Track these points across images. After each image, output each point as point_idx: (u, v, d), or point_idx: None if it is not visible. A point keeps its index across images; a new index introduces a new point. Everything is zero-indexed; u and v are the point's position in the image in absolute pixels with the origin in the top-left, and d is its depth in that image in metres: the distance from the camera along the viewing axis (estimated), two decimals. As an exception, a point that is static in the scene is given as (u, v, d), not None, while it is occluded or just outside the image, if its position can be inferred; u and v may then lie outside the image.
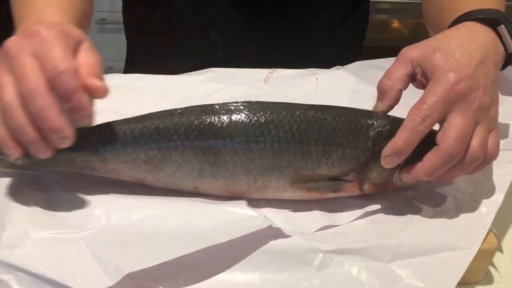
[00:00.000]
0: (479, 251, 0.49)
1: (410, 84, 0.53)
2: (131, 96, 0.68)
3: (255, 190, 0.52)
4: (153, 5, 0.81)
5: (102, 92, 0.46)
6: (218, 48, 0.80)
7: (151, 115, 0.53)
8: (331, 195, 0.53)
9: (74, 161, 0.51)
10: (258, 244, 0.48)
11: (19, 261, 0.44)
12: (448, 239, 0.49)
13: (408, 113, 0.48)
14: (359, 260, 0.48)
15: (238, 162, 0.51)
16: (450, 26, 0.56)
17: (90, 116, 0.46)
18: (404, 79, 0.52)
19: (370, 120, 0.52)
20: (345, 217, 0.52)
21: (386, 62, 0.76)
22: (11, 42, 0.45)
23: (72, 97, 0.44)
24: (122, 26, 0.91)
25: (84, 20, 0.63)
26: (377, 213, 0.53)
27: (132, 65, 0.91)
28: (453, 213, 0.52)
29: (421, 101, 0.48)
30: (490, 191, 0.54)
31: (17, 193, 0.52)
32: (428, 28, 0.74)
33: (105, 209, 0.50)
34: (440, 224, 0.51)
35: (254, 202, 0.53)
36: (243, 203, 0.52)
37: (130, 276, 0.45)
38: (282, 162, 0.51)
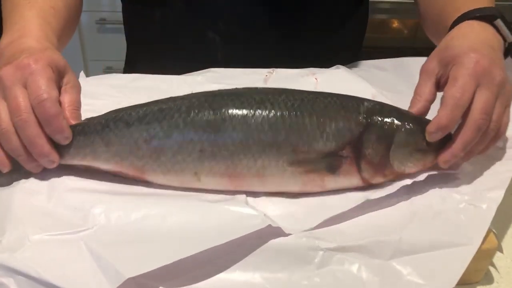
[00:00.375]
0: (479, 251, 0.49)
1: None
2: (131, 96, 0.68)
3: (255, 173, 0.53)
4: (152, 6, 0.81)
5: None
6: (217, 49, 0.80)
7: (156, 101, 0.56)
8: (331, 180, 0.54)
9: (80, 147, 0.54)
10: (258, 243, 0.48)
11: (19, 264, 0.44)
12: (448, 236, 0.49)
13: (444, 93, 0.53)
14: (360, 257, 0.48)
15: (237, 138, 0.52)
16: (451, 27, 0.60)
17: (68, 138, 0.53)
18: (432, 91, 0.57)
19: (361, 101, 0.56)
20: (346, 214, 0.52)
21: (386, 63, 0.76)
22: (5, 72, 0.52)
23: (52, 122, 0.51)
24: (122, 26, 0.91)
25: (67, 29, 0.69)
26: (377, 210, 0.52)
27: (132, 65, 0.91)
28: (454, 210, 0.52)
29: (454, 80, 0.52)
30: (490, 188, 0.53)
31: (16, 195, 0.52)
32: (426, 32, 0.74)
33: (105, 209, 0.50)
34: (440, 220, 0.51)
35: (254, 199, 0.53)
36: (242, 201, 0.52)
37: (131, 277, 0.45)
38: (279, 136, 0.52)
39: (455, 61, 0.54)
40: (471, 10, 0.58)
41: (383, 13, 1.59)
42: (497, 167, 0.56)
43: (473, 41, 0.55)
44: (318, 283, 0.47)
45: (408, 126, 0.54)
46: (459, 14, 0.59)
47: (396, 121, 0.54)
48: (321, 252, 0.48)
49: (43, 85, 0.51)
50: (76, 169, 0.56)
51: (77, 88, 0.58)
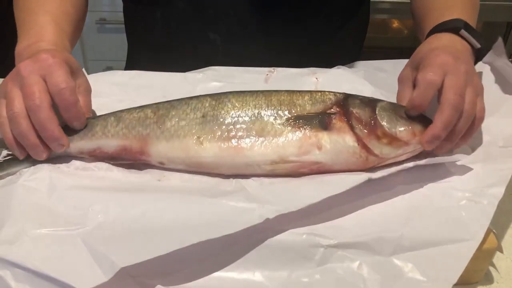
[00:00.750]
0: (479, 251, 0.49)
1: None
2: (131, 93, 0.68)
3: (254, 134, 0.56)
4: (153, 6, 0.81)
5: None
6: (218, 49, 0.80)
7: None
8: (326, 139, 0.56)
9: (91, 125, 0.59)
10: (258, 240, 0.48)
11: (17, 257, 0.45)
12: (449, 232, 0.49)
13: (416, 80, 0.58)
14: (360, 254, 0.48)
15: (236, 104, 0.58)
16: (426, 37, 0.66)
17: (83, 123, 0.58)
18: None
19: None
20: (346, 209, 0.52)
21: (386, 64, 0.76)
22: (24, 65, 0.55)
23: (71, 109, 0.55)
24: (122, 26, 0.91)
25: (77, 32, 0.73)
26: (377, 203, 0.53)
27: (133, 65, 0.91)
28: (454, 206, 0.52)
29: (423, 70, 0.57)
30: (491, 185, 0.53)
31: (16, 192, 0.52)
32: (415, 29, 0.78)
33: (103, 206, 0.50)
34: (441, 216, 0.51)
35: (253, 195, 0.53)
36: (241, 195, 0.52)
37: (130, 275, 0.45)
38: (273, 95, 0.59)
39: (422, 60, 0.59)
40: (437, 25, 0.65)
41: (383, 13, 1.59)
42: (498, 165, 0.56)
43: (437, 45, 0.61)
44: (319, 280, 0.47)
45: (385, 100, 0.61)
46: (434, 25, 0.66)
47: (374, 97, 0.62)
48: (321, 249, 0.48)
49: (63, 75, 0.55)
50: (76, 166, 0.56)
51: (89, 92, 0.61)
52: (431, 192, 0.54)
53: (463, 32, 0.63)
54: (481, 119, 0.58)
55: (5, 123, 0.54)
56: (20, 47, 0.61)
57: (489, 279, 0.53)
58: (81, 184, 0.54)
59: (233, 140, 0.56)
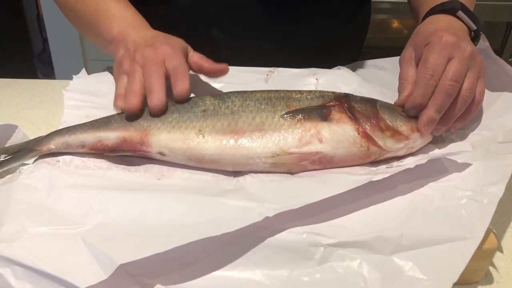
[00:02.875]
0: (479, 251, 0.49)
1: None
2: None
3: (255, 128, 0.57)
4: (156, 3, 0.81)
5: (223, 70, 0.67)
6: (220, 47, 0.80)
7: None
8: (326, 130, 0.56)
9: (95, 121, 0.60)
10: (258, 239, 0.48)
11: (16, 255, 0.45)
12: (450, 230, 0.49)
13: (418, 73, 0.59)
14: (360, 253, 0.48)
15: (236, 100, 0.60)
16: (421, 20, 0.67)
17: (188, 88, 0.61)
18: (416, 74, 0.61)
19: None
20: (346, 208, 0.52)
21: (386, 62, 0.76)
22: (146, 53, 0.62)
23: (178, 75, 0.61)
24: (122, 25, 0.90)
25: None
26: (378, 203, 0.52)
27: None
28: (455, 204, 0.52)
29: (425, 61, 0.58)
30: (491, 182, 0.53)
31: (16, 190, 0.52)
32: (411, 13, 0.79)
33: (103, 206, 0.50)
34: (441, 215, 0.51)
35: (252, 194, 0.53)
36: (241, 194, 0.52)
37: (130, 274, 0.45)
38: (272, 93, 0.61)
39: (426, 41, 0.60)
40: (435, 6, 0.65)
41: (383, 13, 1.59)
42: (498, 161, 0.56)
43: (439, 25, 0.62)
44: (319, 279, 0.47)
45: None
46: (429, 7, 0.66)
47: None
48: (321, 248, 0.48)
49: (181, 62, 0.62)
50: (76, 165, 0.56)
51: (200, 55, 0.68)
52: (431, 191, 0.54)
53: (460, 13, 0.63)
54: (479, 102, 0.59)
55: (121, 95, 0.61)
56: (114, 32, 0.68)
57: (489, 279, 0.53)
58: (81, 183, 0.54)
59: (234, 133, 0.57)
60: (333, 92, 0.61)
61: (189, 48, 0.67)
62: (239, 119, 0.58)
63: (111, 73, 0.71)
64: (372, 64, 0.77)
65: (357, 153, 0.56)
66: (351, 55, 0.82)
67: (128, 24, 0.68)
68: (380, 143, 0.57)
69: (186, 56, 0.66)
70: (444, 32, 0.59)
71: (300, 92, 0.61)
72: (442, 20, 0.63)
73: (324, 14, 0.81)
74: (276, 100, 0.60)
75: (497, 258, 0.55)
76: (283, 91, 0.62)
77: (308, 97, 0.60)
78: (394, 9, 1.55)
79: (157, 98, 0.58)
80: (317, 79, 0.72)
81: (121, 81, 0.63)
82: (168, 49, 0.63)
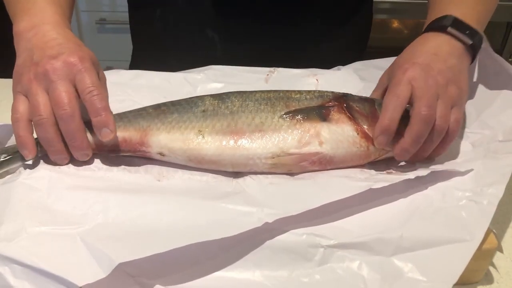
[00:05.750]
0: (479, 251, 0.49)
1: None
2: (132, 94, 0.68)
3: (254, 129, 0.57)
4: (153, 4, 0.81)
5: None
6: (216, 48, 0.80)
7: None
8: (325, 130, 0.56)
9: None
10: (257, 241, 0.48)
11: (15, 254, 0.45)
12: (449, 232, 0.49)
13: (384, 102, 0.57)
14: (360, 254, 0.48)
15: (236, 100, 0.60)
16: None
17: (112, 132, 0.55)
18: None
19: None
20: (347, 209, 0.52)
21: (386, 62, 0.76)
22: (51, 66, 0.54)
23: (100, 113, 0.54)
24: (122, 26, 0.91)
25: (72, 8, 0.70)
26: (377, 206, 0.52)
27: (137, 65, 0.91)
28: (454, 206, 0.52)
29: (388, 91, 0.58)
30: (491, 183, 0.53)
31: (16, 190, 0.52)
32: None
33: (103, 207, 0.50)
34: (441, 217, 0.51)
35: (252, 198, 0.53)
36: (241, 197, 0.52)
37: (129, 274, 0.45)
38: (271, 93, 0.61)
39: (392, 74, 0.59)
40: (429, 23, 0.63)
41: (383, 13, 1.59)
42: (498, 160, 0.56)
43: (414, 53, 0.60)
44: (319, 280, 0.47)
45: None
46: (432, 16, 0.64)
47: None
48: (321, 249, 0.48)
49: (94, 81, 0.55)
50: (76, 166, 0.56)
51: (105, 83, 0.61)
52: (431, 192, 0.54)
53: (450, 30, 0.60)
54: (455, 130, 0.57)
55: (20, 120, 0.54)
56: (21, 27, 0.58)
57: (489, 279, 0.53)
58: (81, 184, 0.54)
59: (233, 134, 0.57)
60: (332, 92, 0.62)
61: (98, 67, 0.60)
62: (238, 120, 0.58)
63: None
64: (372, 64, 0.77)
65: (356, 153, 0.56)
66: (353, 56, 0.82)
67: (40, 21, 0.59)
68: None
69: (97, 70, 0.58)
70: (409, 65, 0.57)
71: (300, 92, 0.62)
72: (430, 41, 0.61)
73: (323, 15, 0.81)
74: (275, 100, 0.60)
75: (497, 258, 0.55)
76: (282, 91, 0.62)
77: (308, 97, 0.60)
78: (394, 9, 1.56)
79: (82, 153, 0.55)
80: (317, 80, 0.72)
81: (19, 104, 0.54)
82: (77, 63, 0.55)
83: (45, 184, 0.53)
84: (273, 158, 0.56)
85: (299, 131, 0.57)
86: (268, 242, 0.48)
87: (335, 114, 0.58)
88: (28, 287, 0.44)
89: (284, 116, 0.58)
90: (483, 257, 0.51)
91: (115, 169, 0.57)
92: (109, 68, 2.07)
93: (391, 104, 0.56)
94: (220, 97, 0.61)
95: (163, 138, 0.57)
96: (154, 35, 0.85)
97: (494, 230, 0.51)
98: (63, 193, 0.52)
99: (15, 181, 0.53)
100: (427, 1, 0.72)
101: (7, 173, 0.56)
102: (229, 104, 0.60)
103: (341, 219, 0.51)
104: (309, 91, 0.62)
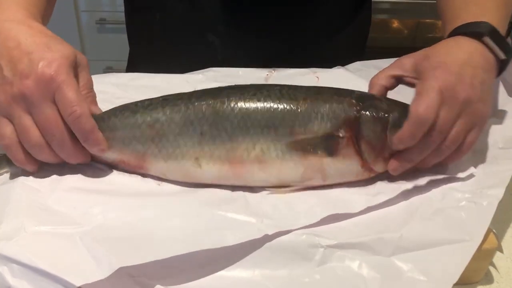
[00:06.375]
0: (479, 251, 0.49)
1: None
2: (131, 94, 0.68)
3: (255, 159, 0.54)
4: (153, 9, 0.81)
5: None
6: (216, 51, 0.80)
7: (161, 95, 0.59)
8: (330, 165, 0.54)
9: None
10: (258, 241, 0.48)
11: (14, 253, 0.45)
12: (449, 233, 0.49)
13: (411, 108, 0.52)
14: (360, 254, 0.48)
15: (235, 120, 0.54)
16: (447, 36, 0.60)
17: (104, 150, 0.54)
18: (389, 78, 0.59)
19: (351, 90, 0.58)
20: (347, 212, 0.52)
21: (386, 63, 0.76)
22: (28, 88, 0.50)
23: (89, 136, 0.52)
24: (122, 26, 0.91)
25: (48, 8, 0.64)
26: (378, 208, 0.52)
27: (134, 67, 0.91)
28: (454, 207, 0.52)
29: (419, 96, 0.52)
30: (490, 186, 0.53)
31: (16, 189, 0.52)
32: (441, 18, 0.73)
33: (103, 209, 0.50)
34: (441, 217, 0.51)
35: (252, 207, 0.53)
36: (241, 205, 0.52)
37: (130, 275, 0.45)
38: (275, 119, 0.54)
39: (424, 75, 0.54)
40: (461, 25, 0.58)
41: (383, 13, 1.59)
42: (498, 166, 0.56)
43: (448, 58, 0.55)
44: (319, 280, 0.47)
45: (399, 109, 0.55)
46: (455, 24, 0.59)
47: (387, 104, 0.56)
48: (321, 249, 0.48)
49: (74, 99, 0.51)
50: (77, 168, 0.56)
51: (86, 67, 0.57)
52: (430, 193, 0.54)
53: (486, 40, 0.55)
54: (464, 152, 0.54)
55: (11, 144, 0.52)
56: None
57: (489, 279, 0.53)
58: (81, 186, 0.54)
59: (232, 164, 0.54)
60: (344, 110, 0.54)
61: (78, 58, 0.55)
62: (238, 147, 0.54)
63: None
64: (372, 64, 0.77)
65: (356, 180, 0.56)
66: (352, 56, 0.82)
67: (6, 20, 0.53)
68: (380, 170, 0.55)
69: (75, 69, 0.54)
70: (445, 71, 0.53)
71: (308, 115, 0.54)
72: (462, 47, 0.56)
73: (322, 15, 0.81)
74: (278, 125, 0.54)
75: (497, 258, 0.55)
76: (286, 109, 0.54)
77: (316, 118, 0.54)
78: (394, 9, 1.55)
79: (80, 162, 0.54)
80: (317, 77, 0.72)
81: (5, 128, 0.52)
82: (52, 78, 0.50)
83: (46, 185, 0.53)
84: (273, 187, 0.55)
85: (303, 166, 0.54)
86: (268, 243, 0.48)
87: (343, 149, 0.54)
88: (26, 287, 0.44)
89: (288, 145, 0.54)
90: (483, 257, 0.51)
91: (115, 172, 0.57)
92: (109, 68, 2.07)
93: (416, 119, 0.51)
94: (216, 112, 0.55)
95: (161, 166, 0.56)
96: (153, 40, 0.85)
97: (494, 230, 0.51)
98: (63, 194, 0.52)
99: (15, 181, 0.53)
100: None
101: (8, 173, 0.56)
102: (228, 124, 0.54)
103: (341, 220, 0.51)
104: (317, 112, 0.55)
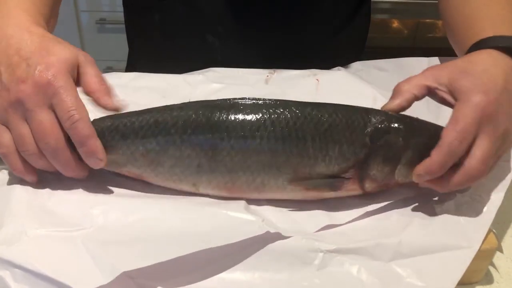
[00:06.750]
0: (479, 251, 0.49)
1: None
2: (131, 95, 0.68)
3: (254, 189, 0.52)
4: (151, 10, 0.81)
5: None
6: (216, 52, 0.80)
7: (152, 109, 0.54)
8: (331, 194, 0.53)
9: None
10: (258, 245, 0.48)
11: (16, 257, 0.44)
12: (448, 239, 0.49)
13: (443, 133, 0.49)
14: (359, 259, 0.48)
15: (235, 157, 0.51)
16: (470, 49, 0.57)
17: (103, 160, 0.51)
18: (422, 87, 0.53)
19: (367, 117, 0.52)
20: (346, 217, 0.52)
21: (386, 63, 0.76)
22: (24, 93, 0.48)
23: (86, 143, 0.49)
24: (122, 26, 0.91)
25: (54, 16, 0.63)
26: (377, 213, 0.53)
27: (133, 68, 0.91)
28: (453, 213, 0.52)
29: (456, 122, 0.49)
30: (490, 190, 0.54)
31: (16, 191, 0.52)
32: (445, 28, 0.72)
33: (103, 209, 0.50)
34: (440, 223, 0.51)
35: (253, 201, 0.53)
36: (241, 204, 0.52)
37: (129, 276, 0.45)
38: (279, 158, 0.51)
39: (464, 96, 0.50)
40: (493, 37, 0.55)
41: (383, 13, 1.59)
42: (497, 171, 0.56)
43: (488, 77, 0.51)
44: (318, 284, 0.47)
45: (417, 142, 0.51)
46: (477, 35, 0.56)
47: (403, 141, 0.52)
48: (321, 254, 0.48)
49: (73, 104, 0.49)
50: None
51: (91, 63, 0.55)
52: (430, 199, 0.54)
53: None
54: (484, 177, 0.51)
55: (9, 153, 0.50)
56: None
57: (489, 279, 0.53)
58: (81, 187, 0.54)
59: (231, 191, 0.53)
60: (354, 153, 0.51)
61: (81, 57, 0.54)
62: (237, 179, 0.52)
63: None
64: (373, 65, 0.77)
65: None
66: (352, 56, 0.82)
67: (4, 24, 0.52)
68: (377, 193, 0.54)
69: (75, 72, 0.53)
70: (487, 98, 0.49)
71: (315, 157, 0.51)
72: (497, 66, 0.52)
73: (322, 16, 0.81)
74: (281, 165, 0.51)
75: (497, 258, 0.55)
76: (291, 149, 0.50)
77: (323, 164, 0.51)
78: (394, 9, 1.55)
79: (75, 174, 0.52)
80: (317, 80, 0.72)
81: (2, 136, 0.50)
82: (49, 83, 0.49)
83: (46, 187, 0.53)
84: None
85: (304, 196, 0.53)
86: (268, 246, 0.48)
87: (347, 186, 0.52)
88: None
89: (290, 180, 0.52)
90: (483, 257, 0.51)
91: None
92: (109, 68, 2.07)
93: (453, 144, 0.48)
94: (213, 144, 0.51)
95: (160, 184, 0.55)
96: (153, 40, 0.85)
97: (494, 230, 0.52)
98: (63, 195, 0.52)
99: (15, 183, 0.53)
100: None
101: (7, 174, 0.55)
102: (227, 158, 0.51)
103: (341, 225, 0.51)
104: (325, 155, 0.51)
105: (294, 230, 0.50)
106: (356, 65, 0.77)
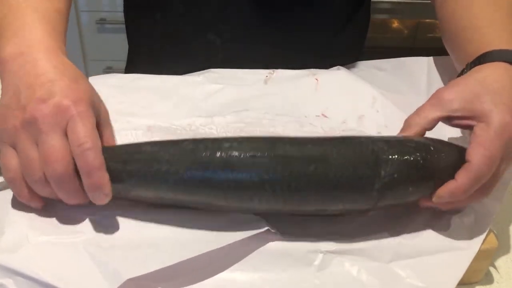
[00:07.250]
0: (479, 251, 0.49)
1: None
2: (131, 96, 0.68)
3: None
4: (152, 8, 0.81)
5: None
6: (217, 51, 0.80)
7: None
8: None
9: None
10: (257, 245, 0.48)
11: (18, 265, 0.44)
12: (448, 240, 0.50)
13: (470, 158, 0.47)
14: (359, 260, 0.48)
15: (234, 211, 0.50)
16: (476, 60, 0.55)
17: (108, 196, 0.47)
18: (432, 121, 0.51)
19: (377, 169, 0.47)
20: (346, 218, 0.52)
21: (386, 63, 0.76)
22: (41, 113, 0.46)
23: (94, 174, 0.46)
24: (122, 26, 0.91)
25: (66, 29, 0.61)
26: (377, 214, 0.53)
27: (133, 67, 0.92)
28: (453, 214, 0.52)
29: (481, 146, 0.47)
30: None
31: (17, 199, 0.51)
32: (441, 33, 0.70)
33: (105, 215, 0.50)
34: (440, 224, 0.51)
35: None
36: None
37: (132, 280, 0.45)
38: (278, 212, 0.50)
39: (485, 118, 0.48)
40: (505, 51, 0.52)
41: (383, 13, 1.59)
42: None
43: (507, 96, 0.49)
44: (318, 285, 0.47)
45: (425, 185, 0.49)
46: (483, 45, 0.54)
47: (413, 186, 0.48)
48: (320, 255, 0.48)
49: (87, 132, 0.46)
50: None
51: (110, 125, 0.54)
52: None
53: None
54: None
55: (15, 179, 0.47)
56: (6, 54, 0.50)
57: (489, 279, 0.53)
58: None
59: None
60: (365, 200, 0.48)
61: (98, 102, 0.52)
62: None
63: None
64: (372, 65, 0.77)
65: None
66: (351, 56, 0.82)
67: (29, 47, 0.50)
68: None
69: (97, 108, 0.51)
70: (508, 116, 0.48)
71: (317, 213, 0.50)
72: (511, 81, 0.50)
73: (321, 16, 0.81)
74: (282, 213, 0.50)
75: (497, 258, 0.55)
76: (297, 204, 0.48)
77: (329, 212, 0.50)
78: (394, 9, 1.55)
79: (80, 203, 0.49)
80: (316, 79, 0.72)
81: (10, 160, 0.47)
82: (70, 107, 0.46)
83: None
84: None
85: None
86: (267, 247, 0.48)
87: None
88: None
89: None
90: (483, 257, 0.51)
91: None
92: (109, 68, 2.07)
93: (482, 171, 0.47)
94: (211, 205, 0.49)
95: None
96: (153, 40, 0.85)
97: (494, 230, 0.52)
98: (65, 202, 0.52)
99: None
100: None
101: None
102: (225, 210, 0.50)
103: (340, 225, 0.51)
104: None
105: (294, 231, 0.50)
106: (356, 65, 0.77)
